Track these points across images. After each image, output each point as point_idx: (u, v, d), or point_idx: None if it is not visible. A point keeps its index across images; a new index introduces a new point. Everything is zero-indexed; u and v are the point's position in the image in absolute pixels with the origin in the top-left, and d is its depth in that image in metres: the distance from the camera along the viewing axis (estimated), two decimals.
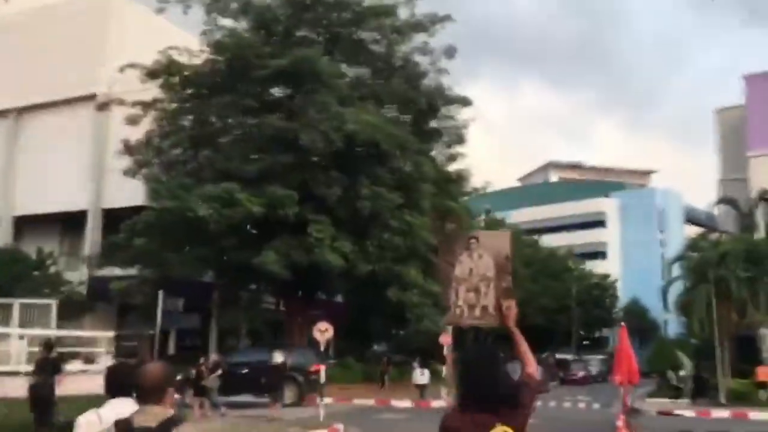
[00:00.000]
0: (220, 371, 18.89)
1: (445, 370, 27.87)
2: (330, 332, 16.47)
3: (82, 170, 36.75)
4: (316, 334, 16.60)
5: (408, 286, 27.52)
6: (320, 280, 28.43)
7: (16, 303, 14.99)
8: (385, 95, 29.37)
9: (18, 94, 38.88)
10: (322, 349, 17.15)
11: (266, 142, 26.34)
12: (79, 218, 37.10)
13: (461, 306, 3.64)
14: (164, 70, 27.69)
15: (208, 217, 24.19)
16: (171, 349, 35.73)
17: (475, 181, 32.72)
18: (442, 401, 25.85)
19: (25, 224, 39.71)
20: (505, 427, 2.90)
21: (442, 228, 28.47)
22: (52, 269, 35.55)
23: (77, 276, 35.49)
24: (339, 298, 48.43)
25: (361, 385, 30.29)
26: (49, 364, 12.45)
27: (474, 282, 3.63)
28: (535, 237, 64.06)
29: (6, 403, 12.43)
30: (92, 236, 35.29)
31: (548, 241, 66.87)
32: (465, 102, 29.84)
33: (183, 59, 27.71)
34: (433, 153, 31.46)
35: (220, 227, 24.91)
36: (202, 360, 19.39)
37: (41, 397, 11.98)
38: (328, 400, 25.68)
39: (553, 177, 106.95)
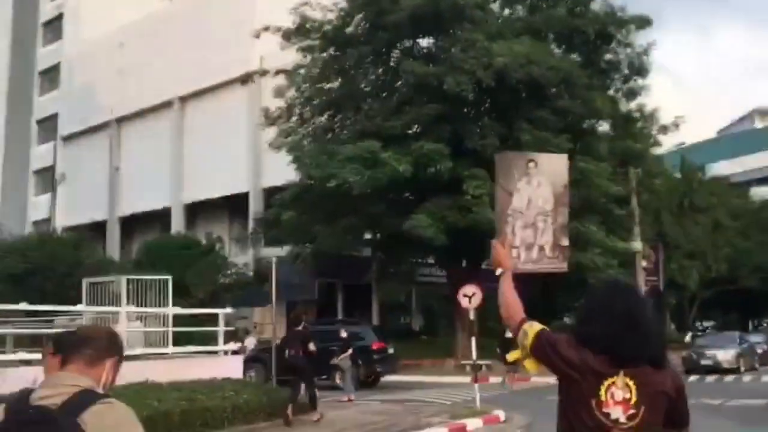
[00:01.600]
0: (351, 351, 16.50)
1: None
2: (478, 296, 13.32)
3: (242, 151, 36.44)
4: (463, 301, 13.52)
5: (587, 245, 23.48)
6: (484, 246, 25.15)
7: (123, 279, 13.34)
8: (545, 28, 25.30)
9: (180, 83, 39.46)
10: (471, 317, 13.99)
11: (409, 93, 23.51)
12: (244, 200, 36.85)
13: (517, 246, 3.09)
14: (300, 30, 25.76)
15: (351, 181, 21.92)
16: None
17: (664, 120, 27.39)
18: None
19: (196, 210, 40.38)
20: (626, 379, 2.41)
21: (625, 175, 24.12)
22: (222, 253, 35.58)
23: (246, 258, 35.23)
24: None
25: None
26: (297, 336, 13.00)
27: (531, 216, 3.16)
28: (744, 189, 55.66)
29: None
30: (255, 217, 34.60)
31: (760, 193, 57.97)
32: (644, 22, 24.98)
33: (317, 15, 25.59)
34: (609, 91, 26.84)
35: (365, 191, 22.58)
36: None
37: (294, 368, 12.72)
38: (497, 380, 22.58)
39: (760, 125, 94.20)
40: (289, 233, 27.39)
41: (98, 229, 44.21)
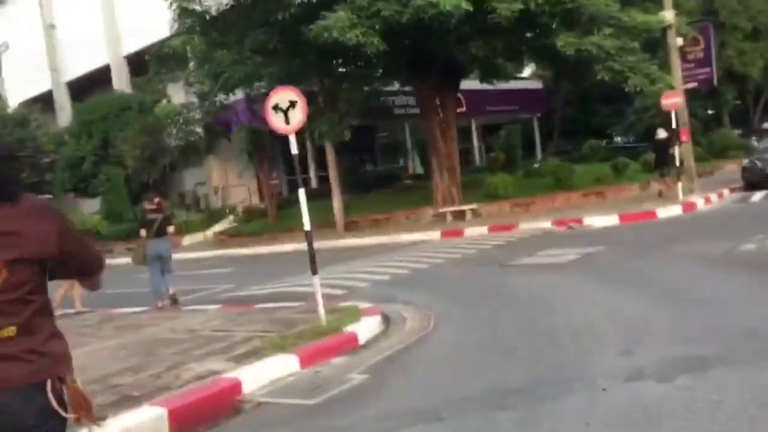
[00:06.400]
0: (171, 229, 10.51)
1: (677, 152, 16.56)
2: (300, 108, 6.47)
3: None
4: (274, 120, 6.60)
5: (591, 23, 16.10)
6: (448, 46, 17.86)
7: None
8: None
9: None
10: (294, 150, 6.90)
11: None
12: None
13: None
14: None
15: None
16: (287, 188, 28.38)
17: None
18: (677, 205, 15.06)
19: (140, 63, 33.65)
20: None
21: None
22: (168, 109, 29.02)
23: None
24: (534, 84, 37.55)
25: (573, 194, 19.58)
26: None
27: None
28: None
29: None
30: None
31: None
32: None
33: None
34: None
35: None
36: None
37: None
38: (479, 230, 16.32)
39: None
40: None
41: (50, 99, 38.43)
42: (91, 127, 29.86)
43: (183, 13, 18.36)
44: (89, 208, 31.93)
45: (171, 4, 18.16)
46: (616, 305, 6.87)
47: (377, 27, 15.49)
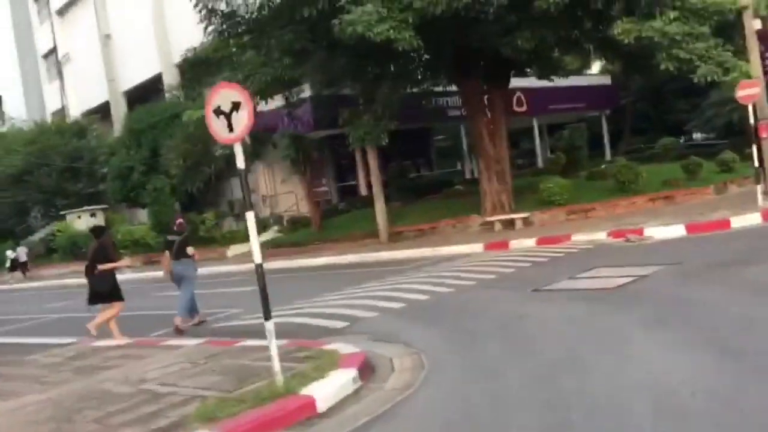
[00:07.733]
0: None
1: (755, 150, 14.36)
2: (246, 112, 4.97)
3: None
4: (215, 127, 5.22)
5: (654, 4, 14.16)
6: (489, 40, 16.14)
7: None
8: None
9: None
10: (239, 162, 5.40)
11: None
12: None
13: None
14: None
15: None
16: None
17: None
18: (755, 213, 12.94)
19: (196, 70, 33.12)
20: None
21: None
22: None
23: None
24: (602, 80, 35.12)
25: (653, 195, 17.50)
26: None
27: None
28: None
29: None
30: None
31: None
32: None
33: None
34: None
35: None
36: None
37: None
38: (526, 242, 14.57)
39: None
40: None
41: (109, 109, 38.56)
42: (140, 137, 29.51)
43: (209, 14, 17.38)
44: (143, 218, 31.64)
45: (197, 4, 17.21)
46: (658, 364, 5.17)
47: (410, 20, 14.00)
